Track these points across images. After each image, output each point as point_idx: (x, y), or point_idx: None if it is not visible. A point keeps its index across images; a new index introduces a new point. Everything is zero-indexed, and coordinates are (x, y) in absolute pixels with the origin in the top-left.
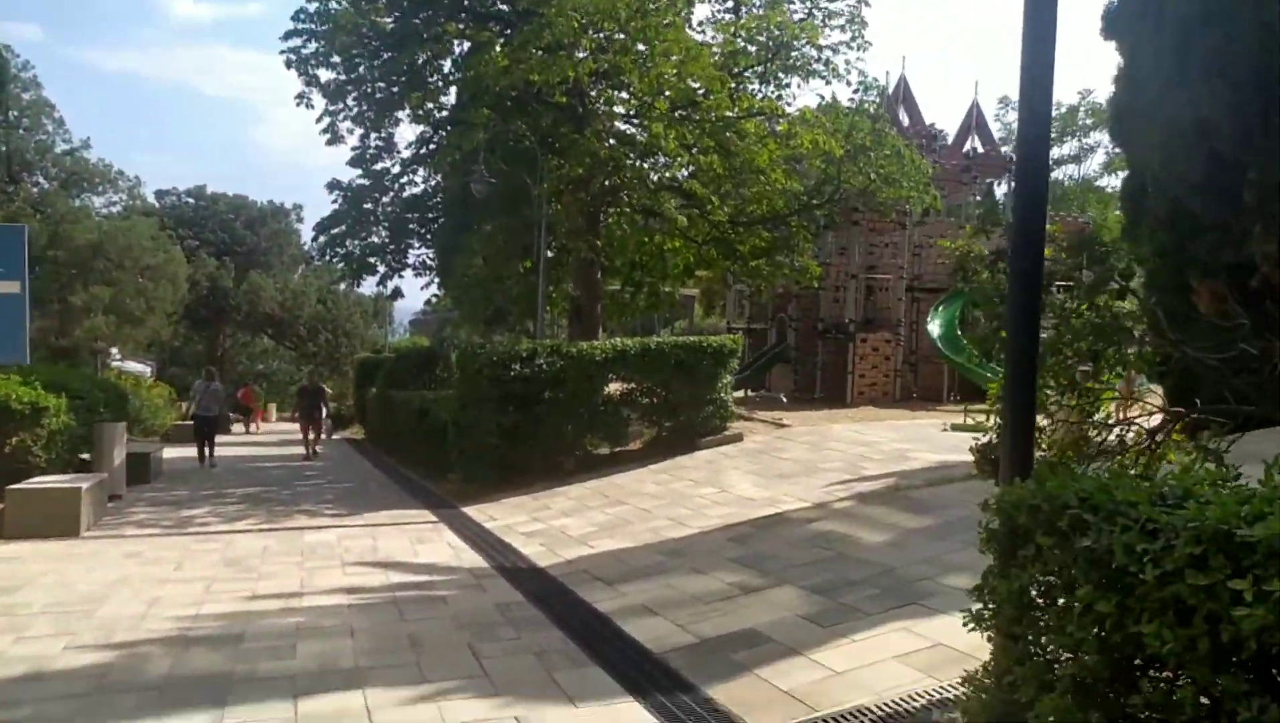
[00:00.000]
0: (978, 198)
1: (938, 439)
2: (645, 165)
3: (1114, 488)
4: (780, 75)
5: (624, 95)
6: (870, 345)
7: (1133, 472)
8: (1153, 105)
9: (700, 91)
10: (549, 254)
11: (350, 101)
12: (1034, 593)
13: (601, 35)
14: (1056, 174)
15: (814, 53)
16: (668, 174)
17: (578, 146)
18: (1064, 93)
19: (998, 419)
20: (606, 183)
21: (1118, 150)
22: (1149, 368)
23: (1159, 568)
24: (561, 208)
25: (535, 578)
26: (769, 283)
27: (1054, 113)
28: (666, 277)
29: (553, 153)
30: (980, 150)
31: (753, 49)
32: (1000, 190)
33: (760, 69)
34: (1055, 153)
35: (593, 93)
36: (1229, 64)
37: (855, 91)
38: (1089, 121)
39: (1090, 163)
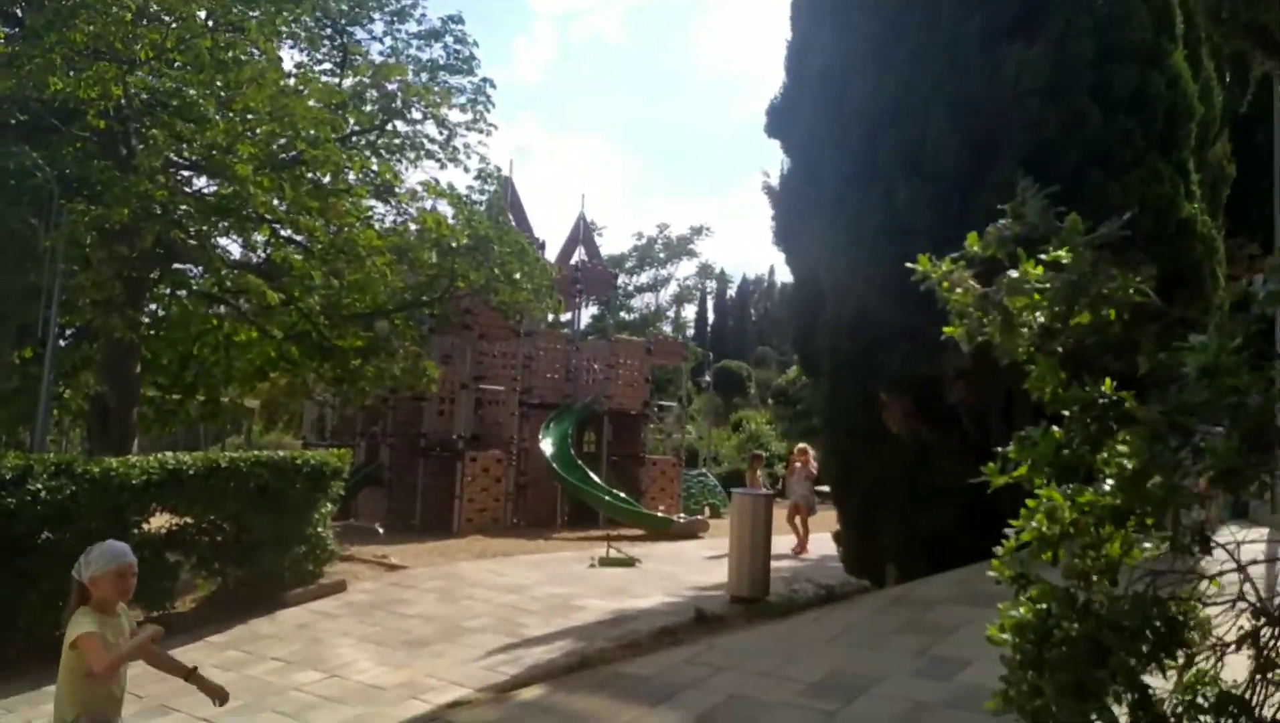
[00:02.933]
0: (587, 311)
1: (592, 578)
2: (218, 229)
3: None
4: (394, 149)
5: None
6: (480, 465)
7: None
8: (833, 204)
9: (303, 136)
10: (65, 331)
11: None
12: None
13: (166, 41)
14: (636, 301)
15: (433, 129)
16: (252, 240)
17: (120, 185)
18: (643, 223)
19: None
20: (157, 247)
21: (690, 281)
22: None
23: None
24: (88, 272)
25: None
26: (372, 387)
27: (636, 243)
28: (231, 379)
29: (78, 195)
30: (588, 263)
31: (366, 107)
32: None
33: (373, 135)
34: (637, 280)
35: (146, 121)
36: (924, 161)
37: (475, 179)
38: (662, 255)
39: (665, 292)
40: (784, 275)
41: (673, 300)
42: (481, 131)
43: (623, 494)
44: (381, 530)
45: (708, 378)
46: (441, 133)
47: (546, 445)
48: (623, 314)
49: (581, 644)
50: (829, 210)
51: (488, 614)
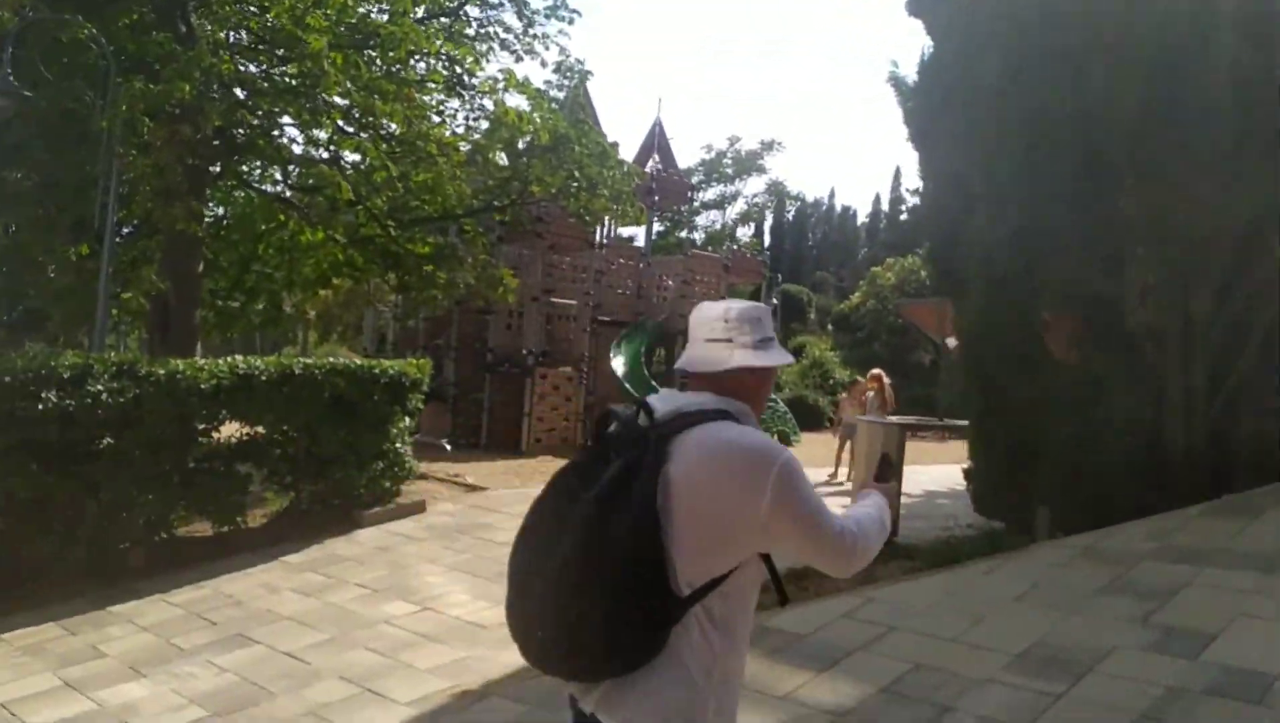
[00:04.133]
0: (657, 225)
1: None
2: (286, 114)
3: None
4: (466, 39)
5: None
6: (550, 383)
7: None
8: (998, 90)
9: (380, 7)
10: (122, 228)
11: None
12: None
13: None
14: (701, 219)
15: (511, 17)
16: (314, 134)
17: (183, 58)
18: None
19: None
20: (219, 136)
21: (757, 198)
22: None
23: None
24: (147, 156)
25: None
26: (445, 295)
27: (704, 156)
28: (294, 284)
29: (136, 70)
30: (664, 171)
31: None
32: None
33: (446, 20)
34: (703, 196)
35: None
36: (1130, 37)
37: (554, 72)
38: (730, 170)
39: (731, 210)
40: (845, 199)
41: (739, 218)
42: (562, 19)
43: None
44: (449, 447)
45: (775, 301)
46: (521, 20)
47: (618, 364)
48: (685, 232)
49: None
50: (990, 98)
51: None
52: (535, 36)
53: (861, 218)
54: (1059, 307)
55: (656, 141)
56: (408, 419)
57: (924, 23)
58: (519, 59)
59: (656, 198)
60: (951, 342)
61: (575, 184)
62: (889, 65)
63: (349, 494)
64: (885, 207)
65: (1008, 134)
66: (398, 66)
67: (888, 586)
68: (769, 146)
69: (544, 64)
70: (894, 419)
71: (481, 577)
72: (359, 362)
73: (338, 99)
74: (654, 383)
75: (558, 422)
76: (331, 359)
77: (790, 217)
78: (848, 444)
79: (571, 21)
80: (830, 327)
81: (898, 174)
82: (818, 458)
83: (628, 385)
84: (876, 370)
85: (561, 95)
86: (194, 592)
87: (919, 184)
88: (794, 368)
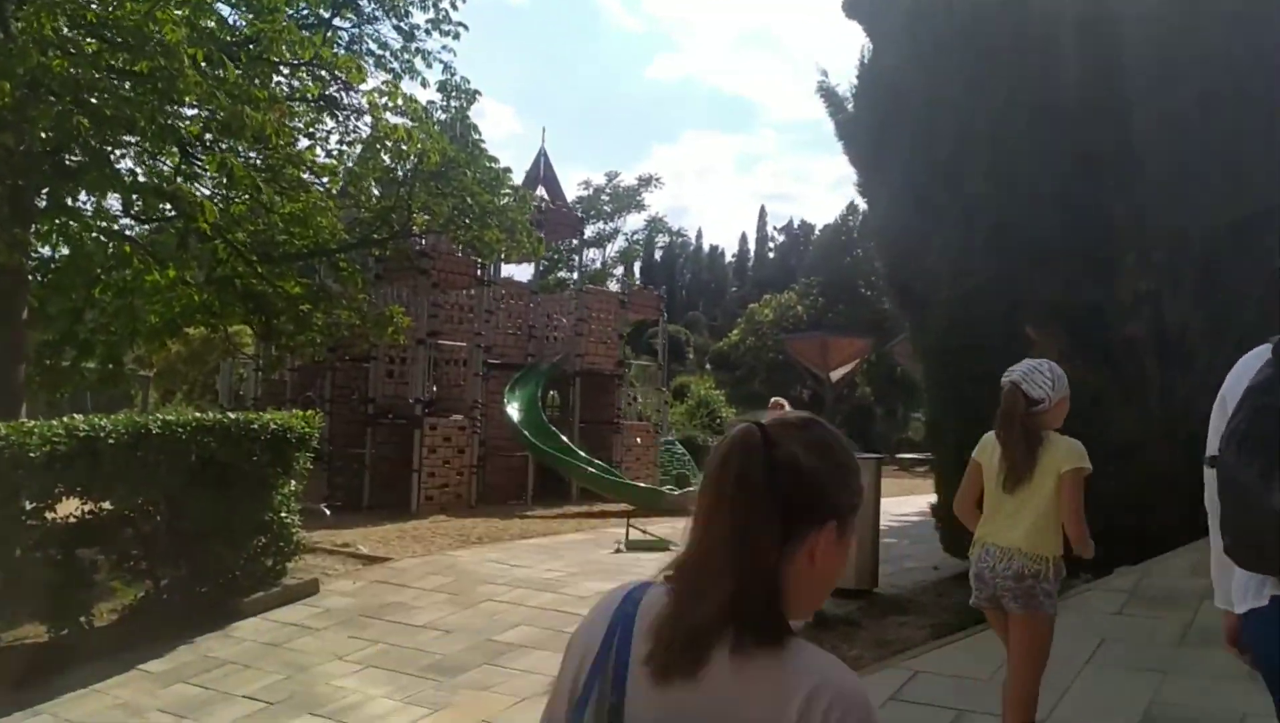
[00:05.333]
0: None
1: (631, 567)
2: (136, 122)
3: None
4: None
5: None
6: (441, 434)
7: None
8: (964, 88)
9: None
10: None
11: None
12: None
13: None
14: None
15: (389, 30)
16: (166, 163)
17: (1, 52)
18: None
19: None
20: (55, 148)
21: (637, 236)
22: None
23: None
24: None
25: None
26: (324, 340)
27: (581, 193)
28: (137, 333)
29: None
30: (552, 204)
31: None
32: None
33: (310, 30)
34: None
35: None
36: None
37: (438, 91)
38: (609, 207)
39: (611, 247)
40: (713, 238)
41: (619, 257)
42: (446, 34)
43: (601, 464)
44: (328, 512)
45: (661, 339)
46: (400, 34)
47: (513, 410)
48: (563, 271)
49: None
50: (955, 98)
51: (527, 622)
52: (417, 52)
53: (728, 257)
54: (1044, 319)
55: (542, 173)
56: (293, 483)
57: (863, 26)
58: (398, 78)
59: (543, 233)
60: (835, 375)
61: (466, 214)
62: (819, 76)
63: (224, 578)
64: (753, 246)
65: (975, 136)
66: (264, 79)
67: (919, 653)
68: (647, 182)
69: (425, 84)
70: (870, 455)
71: (404, 672)
72: (234, 416)
73: (192, 110)
74: (552, 428)
75: (450, 476)
76: (198, 414)
77: (659, 257)
78: None
79: (457, 36)
80: (709, 366)
81: (763, 213)
82: None
83: (525, 432)
84: (776, 398)
85: (446, 118)
86: (27, 721)
87: (862, 203)
88: (680, 408)
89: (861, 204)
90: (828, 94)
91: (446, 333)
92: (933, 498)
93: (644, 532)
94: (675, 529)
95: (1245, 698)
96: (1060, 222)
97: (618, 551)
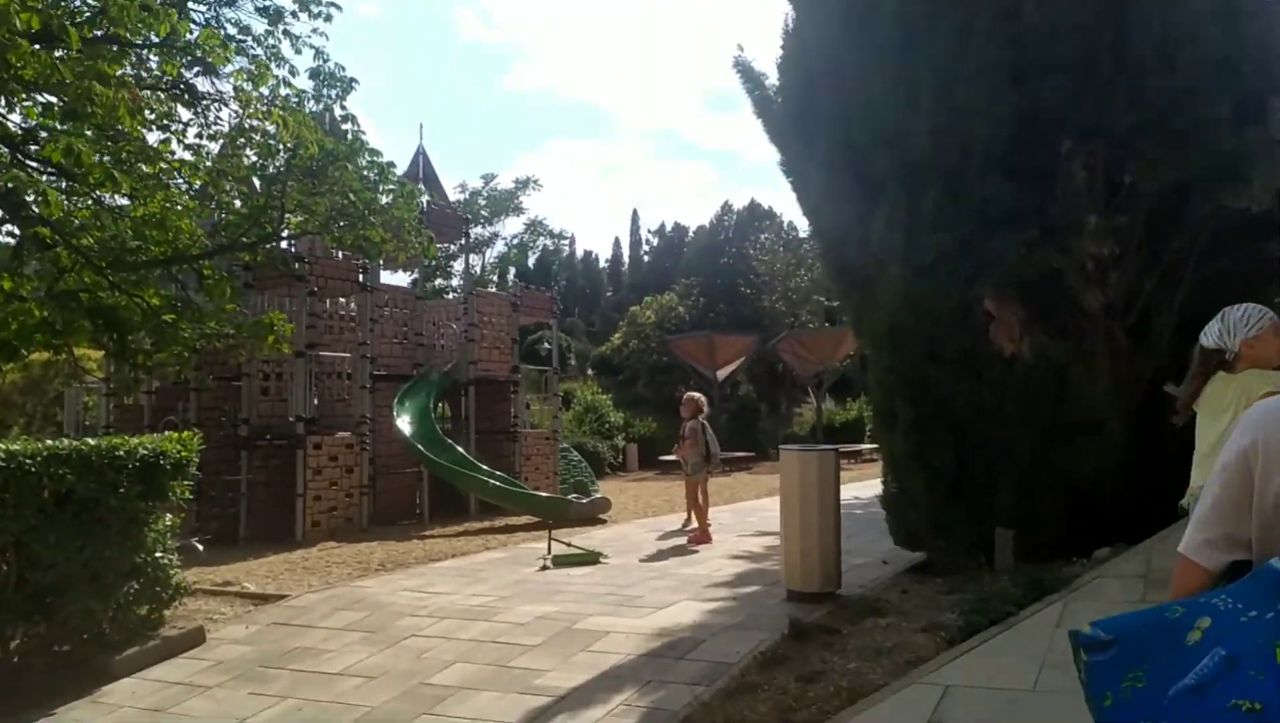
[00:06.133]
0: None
1: (564, 585)
2: None
3: None
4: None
5: None
6: (326, 454)
7: None
8: (901, 45)
9: None
10: None
11: None
12: None
13: None
14: (459, 264)
15: (250, 15)
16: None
17: None
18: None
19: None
20: None
21: (516, 239)
22: None
23: None
24: None
25: None
26: (190, 357)
27: (458, 197)
28: None
29: None
30: (435, 203)
31: None
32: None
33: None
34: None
35: None
36: None
37: (310, 79)
38: (485, 212)
39: (490, 252)
40: (587, 244)
41: (498, 262)
42: (317, 15)
43: (502, 476)
44: (200, 547)
45: (548, 345)
46: (265, 17)
47: (404, 424)
48: (440, 279)
49: (661, 696)
50: (896, 55)
51: (463, 659)
52: (285, 35)
53: (602, 263)
54: (1005, 290)
55: (421, 171)
56: (169, 517)
57: None
58: (263, 65)
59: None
60: (722, 373)
61: (347, 213)
62: (736, 51)
63: (89, 634)
64: (626, 250)
65: (917, 94)
66: (113, 59)
67: (937, 664)
68: (525, 185)
69: (294, 72)
70: (825, 447)
71: None
72: (94, 442)
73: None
74: (448, 441)
75: (338, 498)
76: (51, 441)
77: (533, 265)
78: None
79: (329, 18)
80: (591, 371)
81: (635, 217)
82: (648, 506)
83: (419, 447)
84: (690, 394)
85: (319, 108)
86: None
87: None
88: (569, 415)
89: (738, 203)
90: (744, 69)
91: (327, 344)
92: (862, 490)
93: (567, 545)
94: (598, 541)
95: None
96: (1017, 185)
97: (544, 567)
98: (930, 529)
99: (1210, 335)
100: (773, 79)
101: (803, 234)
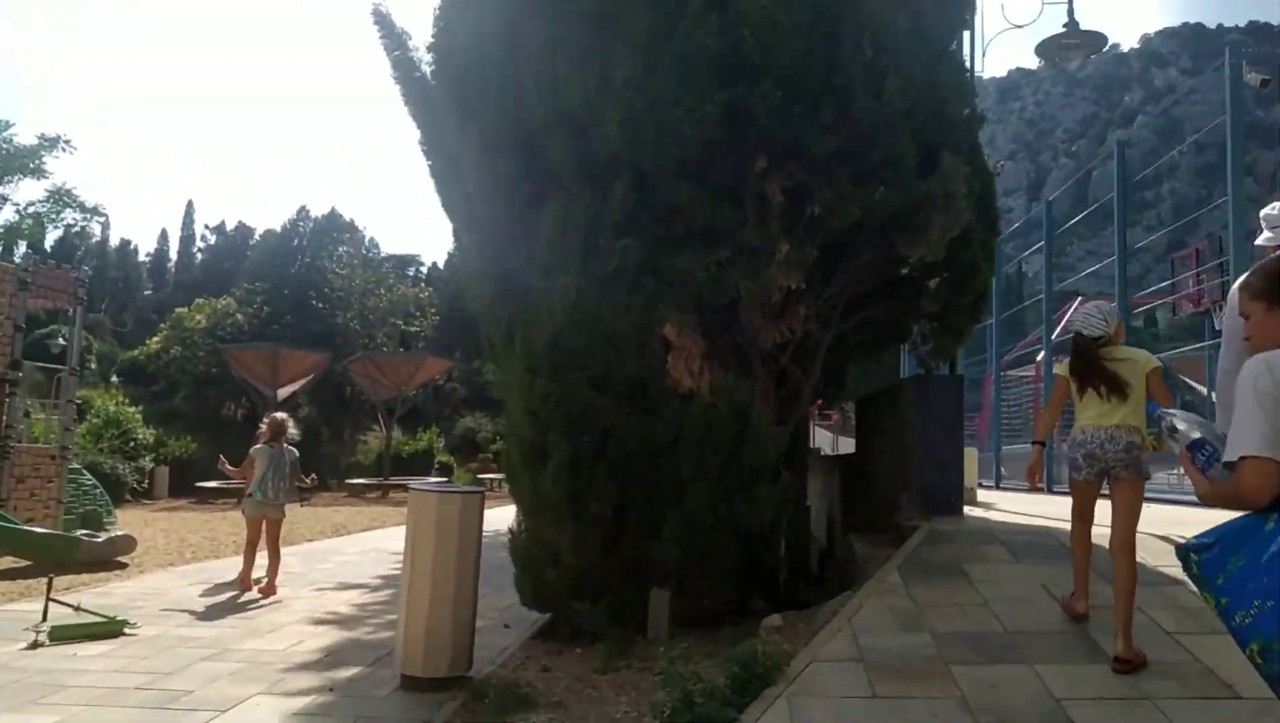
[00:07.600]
0: None
1: (62, 675)
2: None
3: None
4: None
5: None
6: None
7: None
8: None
9: None
10: None
11: None
12: None
13: None
14: None
15: None
16: None
17: None
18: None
19: None
20: None
21: (32, 208)
22: None
23: None
24: None
25: None
26: None
27: None
28: None
29: None
30: None
31: None
32: None
33: None
34: None
35: None
36: None
37: None
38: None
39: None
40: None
41: (4, 233)
42: None
43: None
44: None
45: (64, 340)
46: None
47: None
48: None
49: None
50: (590, 23)
51: None
52: None
53: (143, 255)
54: (687, 316)
55: None
56: None
57: None
58: None
59: None
60: (284, 391)
61: None
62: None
63: None
64: (176, 244)
65: (616, 75)
66: None
67: None
68: (53, 144)
69: None
70: (469, 488)
71: None
72: None
73: None
74: None
75: None
76: None
77: (51, 246)
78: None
79: None
80: (117, 377)
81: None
82: (185, 544)
83: None
84: (274, 414)
85: None
86: None
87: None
88: (84, 429)
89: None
90: (382, 20)
91: None
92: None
93: (74, 607)
94: (120, 599)
95: None
96: (713, 197)
97: (35, 644)
98: (573, 589)
99: (1095, 328)
100: (419, 38)
101: (384, 252)
